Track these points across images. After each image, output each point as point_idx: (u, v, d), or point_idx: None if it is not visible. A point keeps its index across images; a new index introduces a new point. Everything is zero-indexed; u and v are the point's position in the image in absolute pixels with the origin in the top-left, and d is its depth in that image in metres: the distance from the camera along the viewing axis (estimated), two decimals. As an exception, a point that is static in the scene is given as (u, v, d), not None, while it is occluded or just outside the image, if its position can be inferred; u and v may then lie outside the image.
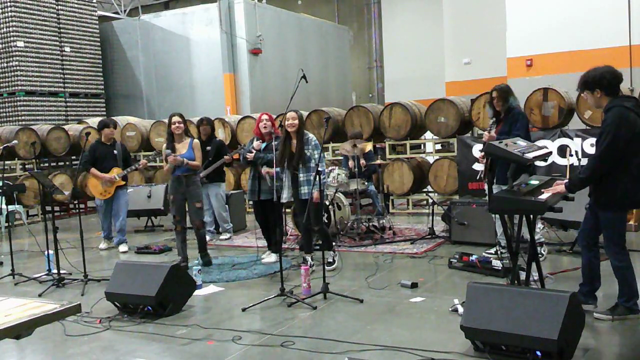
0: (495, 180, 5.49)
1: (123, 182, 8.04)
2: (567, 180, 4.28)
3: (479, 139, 9.28)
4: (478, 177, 6.01)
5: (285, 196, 6.15)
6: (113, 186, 7.93)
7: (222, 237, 8.47)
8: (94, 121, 12.60)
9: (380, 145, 10.81)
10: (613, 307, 4.37)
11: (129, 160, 8.19)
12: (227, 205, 8.64)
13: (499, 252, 5.96)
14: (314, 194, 5.86)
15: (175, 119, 6.68)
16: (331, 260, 6.29)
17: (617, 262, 4.29)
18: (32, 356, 4.39)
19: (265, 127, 6.58)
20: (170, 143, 6.67)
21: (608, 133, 4.08)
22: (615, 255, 4.29)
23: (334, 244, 6.55)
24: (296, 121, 6.02)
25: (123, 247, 8.06)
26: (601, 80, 4.22)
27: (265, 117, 6.63)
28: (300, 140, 6.02)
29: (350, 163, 8.08)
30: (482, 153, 5.94)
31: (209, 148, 8.19)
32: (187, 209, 6.78)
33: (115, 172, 7.89)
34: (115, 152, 7.98)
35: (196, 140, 6.84)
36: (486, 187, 6.03)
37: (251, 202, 7.00)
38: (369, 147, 8.18)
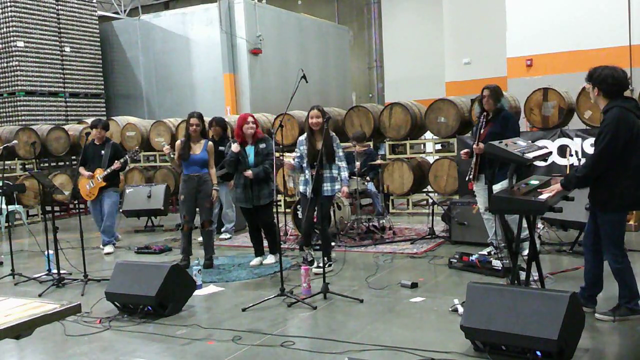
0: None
1: (104, 183, 7.79)
2: (562, 178, 4.28)
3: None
4: (467, 179, 6.01)
5: (308, 192, 6.16)
6: (96, 187, 7.76)
7: (222, 236, 8.48)
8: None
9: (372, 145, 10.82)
10: (614, 307, 4.36)
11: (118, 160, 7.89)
12: (234, 205, 8.67)
13: (492, 253, 5.97)
14: (344, 190, 6.06)
15: (193, 120, 6.69)
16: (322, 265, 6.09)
17: (615, 263, 4.28)
18: (32, 356, 4.39)
19: (251, 129, 6.40)
20: (186, 142, 6.71)
21: (607, 133, 4.09)
22: (613, 257, 4.28)
23: (333, 254, 6.48)
24: (320, 119, 6.08)
25: (107, 249, 7.98)
26: (602, 82, 4.24)
27: (251, 118, 6.45)
28: (327, 138, 5.94)
29: (357, 165, 8.06)
30: (465, 150, 6.00)
31: (222, 148, 8.22)
32: (197, 209, 6.81)
33: (98, 174, 7.73)
34: (102, 152, 7.80)
35: (210, 143, 6.82)
36: (474, 188, 6.07)
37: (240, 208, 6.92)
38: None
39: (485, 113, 5.94)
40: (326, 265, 6.10)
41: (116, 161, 7.80)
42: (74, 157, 13.14)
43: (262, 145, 6.40)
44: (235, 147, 6.38)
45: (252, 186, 6.39)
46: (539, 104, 8.76)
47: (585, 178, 4.21)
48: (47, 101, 14.68)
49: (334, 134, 6.25)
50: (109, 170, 7.74)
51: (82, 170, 7.72)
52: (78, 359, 4.25)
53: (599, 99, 4.29)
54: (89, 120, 13.61)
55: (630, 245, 6.62)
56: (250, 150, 6.46)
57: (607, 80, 4.22)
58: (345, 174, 6.18)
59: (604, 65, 4.32)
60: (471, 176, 5.88)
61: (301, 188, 6.36)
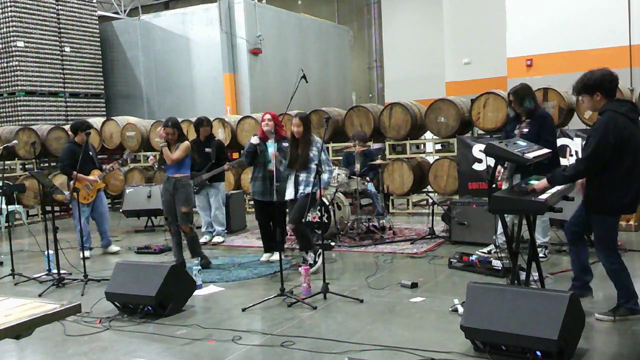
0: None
1: (104, 185, 7.90)
2: (549, 174, 4.29)
3: (479, 139, 9.29)
4: (500, 178, 5.90)
5: (288, 195, 6.23)
6: (95, 189, 7.71)
7: (215, 240, 8.30)
8: (94, 121, 12.59)
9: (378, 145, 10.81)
10: (614, 308, 4.37)
11: (98, 160, 8.01)
12: (224, 208, 8.58)
13: (492, 252, 5.96)
14: (316, 192, 5.98)
15: (168, 130, 6.51)
16: (311, 262, 6.10)
17: (609, 265, 4.32)
18: (32, 356, 4.39)
19: (266, 125, 6.50)
20: (167, 147, 6.66)
21: (594, 137, 4.13)
22: (606, 259, 4.31)
23: (317, 243, 6.39)
24: (300, 128, 6.14)
25: (115, 247, 8.02)
26: (602, 83, 4.22)
27: (267, 116, 6.58)
28: (305, 144, 6.09)
29: (357, 167, 8.05)
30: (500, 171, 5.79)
31: (209, 150, 8.15)
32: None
33: (97, 175, 7.69)
34: (90, 153, 7.73)
35: (186, 143, 6.62)
36: (504, 186, 6.02)
37: (253, 201, 6.92)
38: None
39: (517, 115, 6.00)
40: (310, 261, 6.10)
41: (114, 162, 7.88)
42: (74, 157, 13.11)
43: (285, 144, 6.44)
44: (254, 140, 6.55)
45: (271, 180, 6.40)
46: (539, 104, 8.75)
47: (572, 178, 4.25)
48: (47, 101, 14.67)
49: (318, 139, 6.20)
50: (107, 171, 7.76)
51: (80, 175, 7.37)
52: (78, 359, 4.25)
53: (600, 102, 4.26)
54: (89, 120, 13.63)
55: (630, 245, 6.63)
56: (271, 146, 6.49)
57: (605, 80, 4.21)
58: (325, 175, 6.12)
59: (588, 71, 4.29)
60: (503, 177, 5.78)
61: (287, 194, 6.29)
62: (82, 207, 7.60)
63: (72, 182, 7.10)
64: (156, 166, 6.79)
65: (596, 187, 4.24)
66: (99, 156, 8.64)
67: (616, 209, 4.28)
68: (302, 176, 6.15)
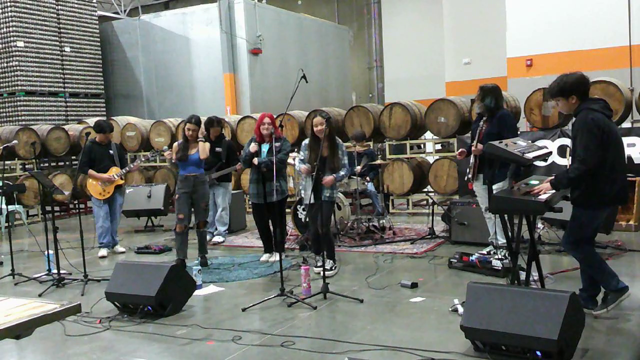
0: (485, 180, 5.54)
1: (123, 181, 8.01)
2: (552, 177, 4.29)
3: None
4: (466, 179, 6.07)
5: (307, 199, 6.08)
6: (112, 185, 7.80)
7: (215, 239, 8.30)
8: (94, 121, 12.58)
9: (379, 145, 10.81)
10: (603, 299, 4.42)
11: (124, 159, 8.19)
12: (229, 208, 8.59)
13: (492, 253, 5.97)
14: (326, 178, 5.90)
15: (191, 126, 6.73)
16: (328, 268, 6.01)
17: (579, 254, 4.37)
18: (32, 356, 4.39)
19: (267, 130, 6.56)
20: (184, 144, 6.76)
21: (582, 132, 4.16)
22: (576, 248, 4.36)
23: (336, 258, 6.44)
24: (323, 127, 5.88)
25: (121, 248, 8.05)
26: (578, 86, 4.30)
27: (267, 119, 6.60)
28: (331, 147, 5.97)
29: (358, 168, 8.04)
30: (461, 150, 6.18)
31: (219, 149, 8.16)
32: (192, 209, 6.79)
33: (114, 172, 7.80)
34: (111, 151, 7.90)
35: (208, 144, 6.81)
36: (474, 188, 6.13)
37: (251, 203, 6.95)
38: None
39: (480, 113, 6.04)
40: (331, 269, 6.09)
41: (137, 161, 8.04)
42: (74, 157, 13.14)
43: (277, 144, 6.38)
44: (252, 148, 6.59)
45: (263, 182, 6.43)
46: (539, 104, 8.76)
47: (576, 180, 4.23)
48: (47, 101, 14.67)
49: (339, 140, 6.15)
50: (127, 169, 7.95)
51: (94, 173, 7.67)
52: (78, 359, 4.25)
53: (575, 105, 4.33)
54: (89, 120, 13.67)
55: (630, 245, 6.64)
56: (265, 147, 6.64)
57: (581, 84, 4.29)
58: (341, 173, 6.06)
59: (563, 75, 4.36)
60: (470, 176, 5.93)
61: (307, 197, 6.18)
62: (100, 204, 7.77)
63: (86, 179, 7.34)
64: (172, 160, 6.85)
65: (583, 184, 4.26)
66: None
67: (603, 202, 4.31)
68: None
